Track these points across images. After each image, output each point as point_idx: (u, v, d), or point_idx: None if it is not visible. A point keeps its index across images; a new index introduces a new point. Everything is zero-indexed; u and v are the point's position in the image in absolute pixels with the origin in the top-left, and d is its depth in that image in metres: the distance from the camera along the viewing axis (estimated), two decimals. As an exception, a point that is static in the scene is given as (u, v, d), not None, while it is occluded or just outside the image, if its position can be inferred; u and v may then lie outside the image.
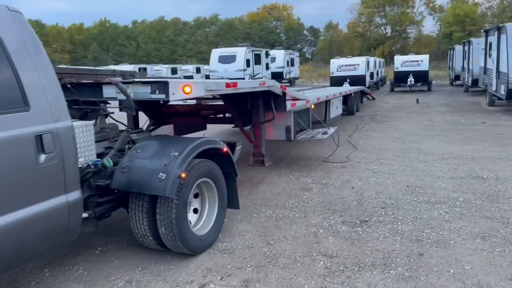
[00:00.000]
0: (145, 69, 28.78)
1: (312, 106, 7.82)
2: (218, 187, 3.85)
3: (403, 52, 37.36)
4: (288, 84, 35.60)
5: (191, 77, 35.99)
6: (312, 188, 5.60)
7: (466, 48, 21.22)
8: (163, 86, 3.40)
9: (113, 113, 3.97)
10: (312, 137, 6.62)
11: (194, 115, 6.10)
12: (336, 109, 10.21)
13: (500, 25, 12.77)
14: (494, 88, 13.43)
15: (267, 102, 5.65)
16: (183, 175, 3.27)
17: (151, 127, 6.37)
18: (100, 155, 3.44)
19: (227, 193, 4.11)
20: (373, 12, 68.23)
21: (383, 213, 4.58)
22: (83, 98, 3.64)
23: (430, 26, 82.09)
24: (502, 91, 12.20)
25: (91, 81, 3.72)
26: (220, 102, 5.96)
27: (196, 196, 3.80)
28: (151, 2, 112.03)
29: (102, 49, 78.77)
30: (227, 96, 5.16)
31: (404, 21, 67.15)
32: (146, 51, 77.55)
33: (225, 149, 3.90)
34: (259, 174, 6.27)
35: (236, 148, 4.63)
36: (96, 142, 3.44)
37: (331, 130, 7.26)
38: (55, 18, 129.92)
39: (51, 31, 78.95)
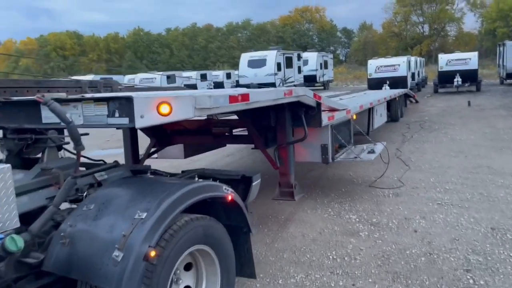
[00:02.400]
0: (205, 75, 28.13)
1: (354, 117, 6.38)
2: (220, 256, 2.52)
3: (442, 51, 35.02)
4: (321, 87, 34.02)
5: (221, 84, 35.12)
6: (359, 231, 4.16)
7: (522, 43, 18.97)
8: (124, 105, 2.12)
9: (67, 143, 2.72)
10: (355, 157, 5.18)
11: (205, 133, 4.83)
12: (380, 117, 8.69)
13: None
14: None
15: (296, 115, 4.29)
16: (153, 253, 1.97)
17: (152, 150, 5.14)
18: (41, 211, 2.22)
19: (239, 256, 2.79)
20: (410, 11, 65.58)
21: (471, 281, 3.09)
22: (12, 125, 2.41)
23: (471, 23, 78.40)
24: None
25: (22, 99, 2.48)
26: (235, 116, 4.65)
27: (188, 267, 2.50)
28: (185, 10, 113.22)
29: (137, 57, 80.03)
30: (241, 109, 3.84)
31: (442, 18, 64.15)
32: (179, 58, 78.11)
33: (230, 197, 2.58)
34: (288, 206, 4.89)
35: (253, 184, 3.30)
36: (33, 190, 2.22)
37: (379, 146, 5.79)
38: (93, 29, 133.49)
39: (88, 41, 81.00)
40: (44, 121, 2.37)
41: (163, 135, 5.00)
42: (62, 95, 2.31)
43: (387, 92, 11.22)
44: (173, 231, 2.15)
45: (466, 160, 6.90)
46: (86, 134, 2.94)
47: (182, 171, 3.56)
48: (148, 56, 79.66)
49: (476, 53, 22.36)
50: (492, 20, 56.61)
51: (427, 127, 10.92)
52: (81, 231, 2.10)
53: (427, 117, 12.86)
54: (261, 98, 2.98)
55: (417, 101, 17.40)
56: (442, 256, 3.50)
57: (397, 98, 11.76)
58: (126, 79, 30.34)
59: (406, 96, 14.89)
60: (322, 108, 5.08)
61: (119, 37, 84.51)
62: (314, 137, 5.00)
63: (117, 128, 3.34)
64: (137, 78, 27.38)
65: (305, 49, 42.80)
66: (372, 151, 5.45)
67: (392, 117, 11.96)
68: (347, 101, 8.11)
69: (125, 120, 2.15)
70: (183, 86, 28.36)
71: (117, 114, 2.16)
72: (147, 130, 4.97)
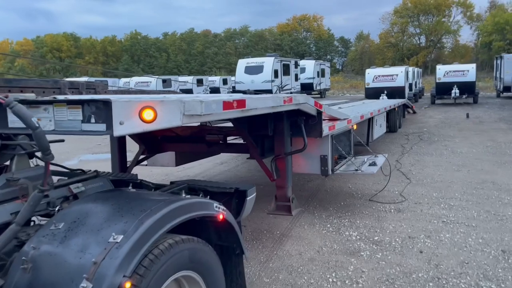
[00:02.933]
0: (201, 80, 27.84)
1: (355, 127, 6.12)
2: (208, 283, 2.22)
3: (439, 62, 35.04)
4: (318, 96, 33.85)
5: (217, 89, 34.85)
6: (360, 250, 3.87)
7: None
8: (101, 109, 1.83)
9: (38, 150, 2.41)
10: (356, 169, 4.90)
11: (197, 141, 4.54)
12: (380, 128, 8.44)
13: None
14: None
15: (295, 124, 4.01)
16: (128, 285, 1.67)
17: (141, 157, 4.83)
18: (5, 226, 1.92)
19: (230, 281, 2.50)
20: (407, 22, 66.02)
21: (485, 312, 2.81)
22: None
23: (467, 36, 79.03)
24: None
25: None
26: (231, 124, 4.36)
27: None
28: (183, 16, 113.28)
29: (133, 60, 79.88)
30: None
31: (439, 30, 64.66)
32: (176, 63, 78.09)
33: (221, 216, 2.28)
34: (284, 221, 4.59)
35: (247, 198, 3.01)
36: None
37: (380, 159, 5.52)
38: (91, 31, 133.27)
39: (84, 44, 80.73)
40: (10, 125, 2.06)
41: (152, 142, 4.70)
42: (31, 96, 2.01)
43: (386, 102, 11.00)
44: (154, 256, 1.85)
45: (469, 175, 6.65)
46: (61, 140, 2.65)
47: (171, 182, 3.27)
48: (144, 60, 79.55)
49: (474, 65, 22.29)
50: (488, 33, 57.07)
51: (427, 138, 10.69)
52: (46, 255, 1.79)
53: (425, 129, 12.65)
54: (258, 105, 2.69)
55: (415, 112, 17.24)
56: (451, 282, 3.21)
57: (396, 109, 11.54)
58: (121, 82, 30.05)
59: (405, 106, 14.71)
60: (323, 117, 4.82)
61: (116, 40, 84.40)
62: (314, 148, 4.72)
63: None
64: (132, 81, 27.05)
65: (302, 57, 42.79)
66: (373, 164, 5.17)
67: (391, 128, 11.72)
68: (346, 110, 7.85)
69: (101, 127, 1.86)
70: (178, 91, 28.11)
71: (93, 120, 1.87)
72: (135, 136, 4.67)
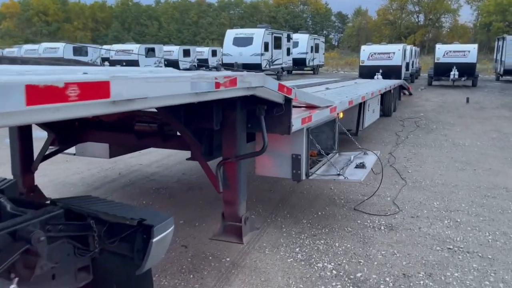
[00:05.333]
0: (152, 49, 26.07)
1: (341, 115, 4.94)
2: None
3: (436, 42, 33.60)
4: (311, 72, 32.42)
5: (206, 61, 33.19)
6: (335, 297, 2.76)
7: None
8: None
9: None
10: (339, 174, 3.74)
11: (125, 130, 3.34)
12: (372, 114, 7.26)
13: None
14: None
15: (253, 115, 2.82)
16: None
17: (51, 149, 3.62)
18: None
19: None
20: None
21: None
22: None
23: (466, 16, 77.36)
24: None
25: None
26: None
27: None
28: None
29: (124, 28, 77.38)
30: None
31: (439, 9, 62.91)
32: (168, 32, 75.81)
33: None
34: (236, 244, 3.44)
35: (153, 240, 1.89)
36: None
37: (370, 158, 4.37)
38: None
39: (73, 8, 77.69)
40: None
41: (66, 129, 3.48)
42: None
43: (381, 83, 9.79)
44: None
45: (476, 176, 5.54)
46: None
47: (50, 201, 2.14)
48: (135, 28, 76.98)
49: (476, 46, 21.05)
50: (489, 13, 55.44)
51: (424, 125, 9.56)
52: None
53: (422, 113, 11.51)
54: (152, 91, 1.46)
55: (411, 94, 16.08)
56: None
57: (392, 91, 10.35)
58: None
59: (401, 88, 13.52)
60: (297, 105, 3.62)
61: (106, 6, 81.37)
62: (283, 144, 3.55)
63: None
64: (113, 48, 25.40)
65: (297, 31, 41.03)
66: (361, 165, 4.01)
67: (385, 112, 10.55)
68: (333, 91, 6.65)
69: None
70: (162, 60, 26.50)
71: None
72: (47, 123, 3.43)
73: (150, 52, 25.52)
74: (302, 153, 3.57)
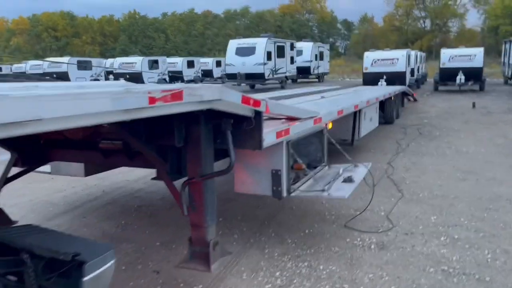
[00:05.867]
0: (156, 61, 26.09)
1: (329, 125, 4.69)
2: None
3: (443, 47, 33.18)
4: (316, 80, 32.18)
5: (210, 72, 33.19)
6: (311, 331, 2.49)
7: (534, 40, 17.24)
8: None
9: None
10: (323, 190, 3.48)
11: (90, 148, 3.13)
12: (369, 122, 6.99)
13: None
14: None
15: (221, 131, 2.59)
16: None
17: (14, 170, 3.42)
18: None
19: None
20: (412, 5, 63.87)
21: None
22: None
23: (473, 20, 76.76)
24: None
25: None
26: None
27: None
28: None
29: (131, 41, 78.23)
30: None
31: (445, 14, 62.51)
32: (175, 44, 76.47)
33: None
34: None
35: (84, 279, 1.66)
36: None
37: (360, 171, 4.10)
38: (94, 11, 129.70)
39: (81, 23, 78.86)
40: None
41: (30, 148, 3.28)
42: None
43: (381, 90, 9.52)
44: None
45: (478, 187, 5.23)
46: None
47: None
48: (142, 41, 77.71)
49: (481, 49, 20.65)
50: (496, 17, 54.91)
51: (427, 133, 9.25)
52: None
53: (426, 120, 11.19)
54: (34, 112, 1.19)
55: (416, 100, 15.73)
56: None
57: (393, 97, 10.06)
58: (108, 63, 28.44)
59: (404, 94, 13.23)
60: (276, 117, 3.39)
61: (114, 20, 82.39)
62: (261, 159, 3.31)
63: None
64: (116, 62, 25.45)
65: (302, 39, 40.89)
66: (349, 180, 3.75)
67: (386, 119, 10.28)
68: (328, 100, 6.42)
69: None
70: (166, 72, 26.52)
71: None
72: (9, 140, 3.25)
73: (153, 64, 25.52)
74: (282, 168, 3.33)
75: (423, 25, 65.62)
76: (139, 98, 1.59)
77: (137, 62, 24.42)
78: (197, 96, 1.98)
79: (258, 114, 2.67)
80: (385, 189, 5.16)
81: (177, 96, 1.81)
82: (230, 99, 2.26)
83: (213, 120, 2.59)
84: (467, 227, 3.96)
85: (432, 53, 55.20)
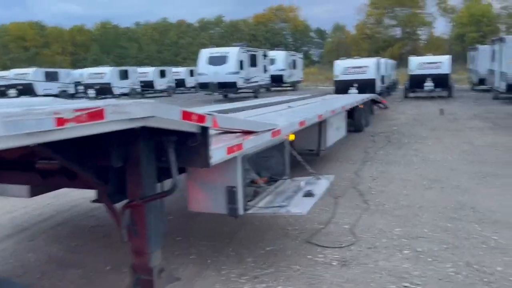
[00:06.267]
0: (125, 72, 25.62)
1: (291, 137, 4.57)
2: None
3: (413, 54, 33.98)
4: (290, 88, 32.30)
5: (183, 82, 32.87)
6: None
7: (497, 47, 17.78)
8: None
9: None
10: (281, 206, 3.33)
11: (28, 169, 2.90)
12: (336, 131, 6.92)
13: None
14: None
15: (161, 148, 2.41)
16: None
17: None
18: None
19: None
20: (383, 13, 65.27)
21: None
22: None
23: (441, 28, 79.10)
24: None
25: None
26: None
27: None
28: (159, 5, 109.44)
29: (103, 51, 76.99)
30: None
31: (414, 22, 64.19)
32: (148, 53, 75.67)
33: None
34: (165, 292, 2.99)
35: None
36: None
37: (322, 184, 3.98)
38: (60, 20, 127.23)
39: (51, 33, 77.19)
40: None
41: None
42: None
43: (349, 99, 9.51)
44: None
45: (442, 195, 5.20)
46: None
47: None
48: (115, 51, 76.58)
49: (448, 57, 21.16)
50: (463, 25, 56.69)
51: (395, 140, 9.28)
52: None
53: (395, 127, 11.27)
54: None
55: (386, 107, 15.89)
56: None
57: (361, 105, 10.09)
58: (78, 73, 27.80)
59: (374, 101, 13.31)
60: (232, 131, 3.23)
61: (85, 30, 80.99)
62: (215, 176, 3.14)
63: None
64: (86, 72, 24.87)
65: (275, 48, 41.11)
66: (309, 194, 3.62)
67: (356, 127, 10.29)
68: (293, 110, 6.32)
69: None
70: (138, 82, 26.07)
71: None
72: None
73: (124, 74, 25.05)
74: (237, 184, 3.17)
75: (393, 33, 67.12)
76: (42, 121, 1.40)
77: (107, 73, 23.91)
78: (124, 114, 1.80)
79: (204, 130, 2.50)
80: (351, 200, 5.07)
81: (96, 115, 1.63)
82: (166, 115, 2.08)
83: (154, 137, 2.41)
84: (430, 238, 3.88)
85: (403, 61, 56.48)
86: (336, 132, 6.84)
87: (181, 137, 2.45)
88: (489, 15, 56.07)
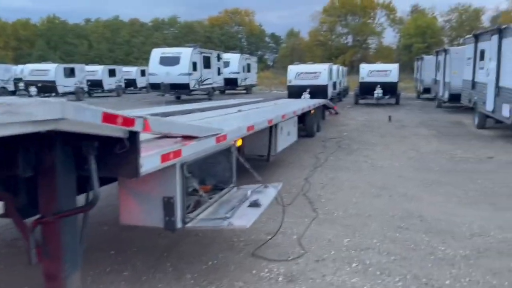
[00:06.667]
0: (72, 69, 24.35)
1: (238, 142, 4.34)
2: None
3: (364, 62, 35.09)
4: (244, 91, 32.19)
5: (134, 81, 31.85)
6: None
7: (441, 58, 18.57)
8: None
9: None
10: (223, 218, 3.08)
11: None
12: (287, 136, 6.77)
13: (503, 26, 9.86)
14: (490, 108, 10.52)
15: (81, 155, 2.08)
16: None
17: None
18: None
19: None
20: (335, 21, 66.91)
21: None
22: None
23: (390, 38, 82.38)
24: (507, 113, 9.24)
25: None
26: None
27: None
28: (111, 3, 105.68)
29: (50, 47, 73.25)
30: None
31: (365, 31, 66.32)
32: (99, 52, 72.85)
33: None
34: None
35: None
36: None
37: (268, 193, 3.77)
38: (3, 13, 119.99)
39: (-7, 26, 72.48)
40: None
41: None
42: None
43: (301, 104, 9.44)
44: None
45: (391, 203, 5.16)
46: None
47: None
48: (62, 47, 73.10)
49: (397, 65, 21.85)
50: (410, 36, 59.21)
51: (346, 146, 9.31)
52: None
53: (346, 133, 11.36)
54: None
55: (337, 113, 16.09)
56: None
57: (313, 111, 10.06)
58: (19, 69, 26.07)
59: (325, 107, 13.40)
60: (166, 134, 2.93)
61: (30, 24, 76.72)
62: (150, 185, 2.84)
63: None
64: (27, 68, 23.37)
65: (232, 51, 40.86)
66: (255, 204, 3.39)
67: (307, 132, 10.25)
68: (242, 114, 6.09)
69: None
70: (84, 81, 24.88)
71: None
72: None
73: (70, 72, 23.77)
74: (175, 195, 2.88)
75: (345, 41, 69.01)
76: None
77: (51, 70, 22.58)
78: (22, 115, 1.48)
79: (133, 134, 2.20)
80: (300, 209, 4.90)
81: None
82: (80, 117, 1.76)
83: (73, 142, 2.07)
84: (379, 249, 3.78)
85: (354, 68, 58.17)
86: (287, 137, 6.69)
87: (107, 142, 2.13)
88: (434, 27, 59.03)
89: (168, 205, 2.88)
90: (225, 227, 3.00)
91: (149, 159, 2.36)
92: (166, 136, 3.05)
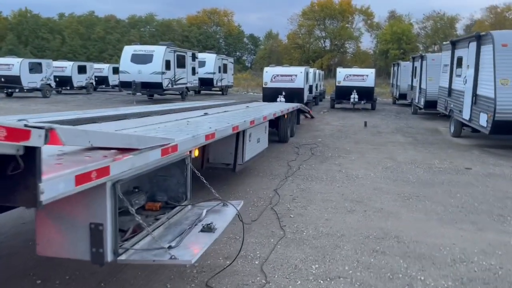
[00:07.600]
0: (39, 64, 23.23)
1: (195, 153, 3.81)
2: None
3: (341, 66, 35.07)
4: (219, 92, 31.61)
5: (106, 79, 30.80)
6: None
7: (417, 64, 18.48)
8: None
9: None
10: (163, 249, 2.54)
11: None
12: (257, 144, 6.27)
13: (482, 33, 9.65)
14: (466, 116, 10.31)
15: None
16: None
17: None
18: None
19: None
20: (314, 25, 67.08)
21: None
22: None
23: (367, 43, 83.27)
24: (484, 123, 9.02)
25: None
26: None
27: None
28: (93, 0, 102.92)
29: (20, 41, 70.70)
30: None
31: (343, 35, 66.72)
32: (72, 47, 70.75)
33: None
34: None
35: None
36: None
37: (228, 213, 3.26)
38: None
39: (-42, 18, 69.51)
40: None
41: None
42: None
43: (274, 108, 8.96)
44: None
45: (365, 220, 4.72)
46: None
47: None
48: (34, 42, 70.66)
49: (373, 70, 21.70)
50: (386, 41, 59.87)
51: (319, 153, 8.88)
52: None
53: (320, 139, 10.95)
54: None
55: (312, 117, 15.75)
56: None
57: (287, 115, 9.61)
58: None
59: (300, 111, 13.00)
60: (101, 147, 2.38)
61: (1, 17, 73.91)
62: (75, 209, 2.28)
63: None
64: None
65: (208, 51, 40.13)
66: (208, 228, 2.87)
67: (280, 138, 9.81)
68: (207, 119, 5.55)
69: None
70: (52, 77, 23.77)
71: None
72: None
73: (36, 67, 22.64)
74: (105, 221, 2.33)
75: (323, 45, 69.28)
76: None
77: (15, 64, 21.43)
78: None
79: (32, 150, 1.65)
80: (266, 226, 4.41)
81: None
82: None
83: None
84: (351, 279, 3.31)
85: (332, 72, 58.38)
86: (256, 144, 6.19)
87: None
88: (409, 34, 59.86)
89: (95, 233, 2.33)
90: (166, 261, 2.46)
91: (55, 183, 1.81)
92: (100, 148, 2.50)
